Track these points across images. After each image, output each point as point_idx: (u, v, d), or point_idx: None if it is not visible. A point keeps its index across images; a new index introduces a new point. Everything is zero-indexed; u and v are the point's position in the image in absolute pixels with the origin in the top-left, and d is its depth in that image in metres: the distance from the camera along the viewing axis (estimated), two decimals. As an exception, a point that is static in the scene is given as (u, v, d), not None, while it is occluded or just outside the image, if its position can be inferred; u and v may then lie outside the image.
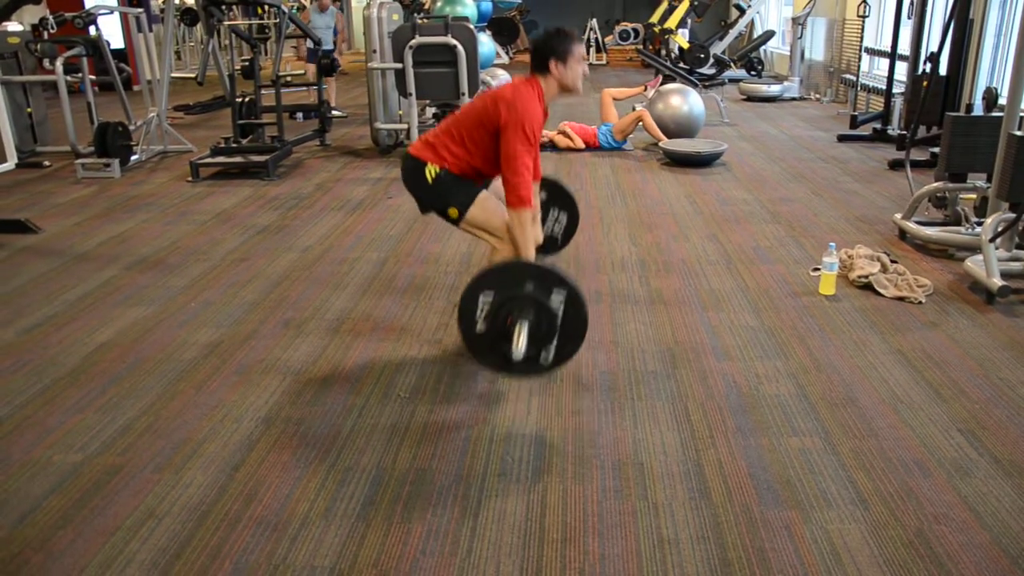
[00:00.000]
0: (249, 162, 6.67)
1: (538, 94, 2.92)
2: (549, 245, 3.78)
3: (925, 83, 5.61)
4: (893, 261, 4.03)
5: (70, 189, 6.31)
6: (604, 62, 16.88)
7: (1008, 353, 3.18)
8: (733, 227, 4.96)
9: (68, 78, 7.12)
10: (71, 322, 3.64)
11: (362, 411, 2.80)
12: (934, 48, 5.48)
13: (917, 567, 2.00)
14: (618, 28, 17.73)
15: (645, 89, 8.41)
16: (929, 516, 2.19)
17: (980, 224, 4.06)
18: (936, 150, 5.21)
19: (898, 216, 4.64)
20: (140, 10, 8.69)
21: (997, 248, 3.78)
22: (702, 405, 2.81)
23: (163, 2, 10.69)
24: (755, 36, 13.01)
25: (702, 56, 11.06)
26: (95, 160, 6.74)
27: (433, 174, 2.97)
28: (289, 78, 9.70)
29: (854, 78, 9.52)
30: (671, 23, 11.60)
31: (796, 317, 3.57)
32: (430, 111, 7.85)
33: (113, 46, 8.08)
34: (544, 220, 3.70)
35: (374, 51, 7.15)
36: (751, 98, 10.92)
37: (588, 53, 16.84)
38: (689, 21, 12.18)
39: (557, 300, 2.60)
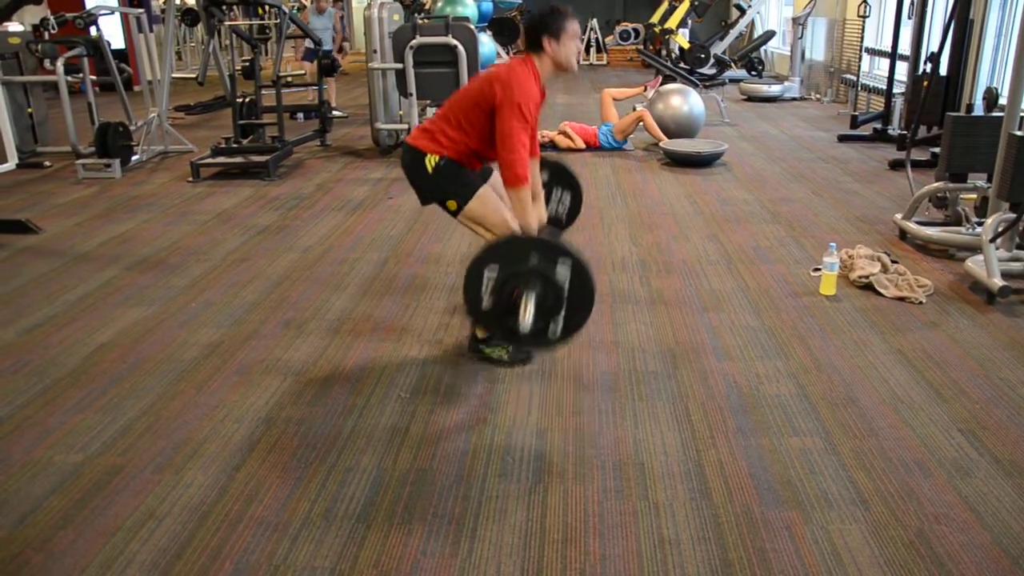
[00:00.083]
0: (250, 162, 6.68)
1: (533, 73, 2.90)
2: (554, 225, 3.75)
3: (925, 83, 5.61)
4: (894, 261, 4.03)
5: (71, 189, 6.32)
6: (604, 62, 16.88)
7: (1008, 353, 3.18)
8: (733, 227, 4.95)
9: (69, 78, 7.13)
10: (72, 322, 3.64)
11: (363, 411, 2.80)
12: (934, 48, 5.48)
13: (918, 567, 2.00)
14: (618, 28, 17.72)
15: (645, 89, 8.41)
16: (930, 516, 2.19)
17: (980, 224, 4.06)
18: (936, 150, 5.21)
19: (898, 216, 4.64)
20: (141, 10, 8.70)
21: (997, 248, 3.78)
22: (703, 405, 2.81)
23: (164, 2, 10.71)
24: (755, 36, 13.01)
25: (702, 56, 11.05)
26: (96, 160, 6.74)
27: (433, 163, 2.95)
28: (290, 78, 9.71)
29: (854, 78, 9.52)
30: (671, 23, 11.59)
31: (797, 317, 3.57)
32: (431, 111, 7.85)
33: (114, 46, 8.09)
34: (547, 201, 3.65)
35: (375, 51, 7.15)
36: (751, 98, 10.92)
37: (589, 53, 16.85)
38: (689, 21, 12.17)
39: (562, 272, 2.59)
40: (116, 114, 7.81)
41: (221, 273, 4.26)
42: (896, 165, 6.40)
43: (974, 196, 4.46)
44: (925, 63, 6.43)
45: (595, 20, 16.86)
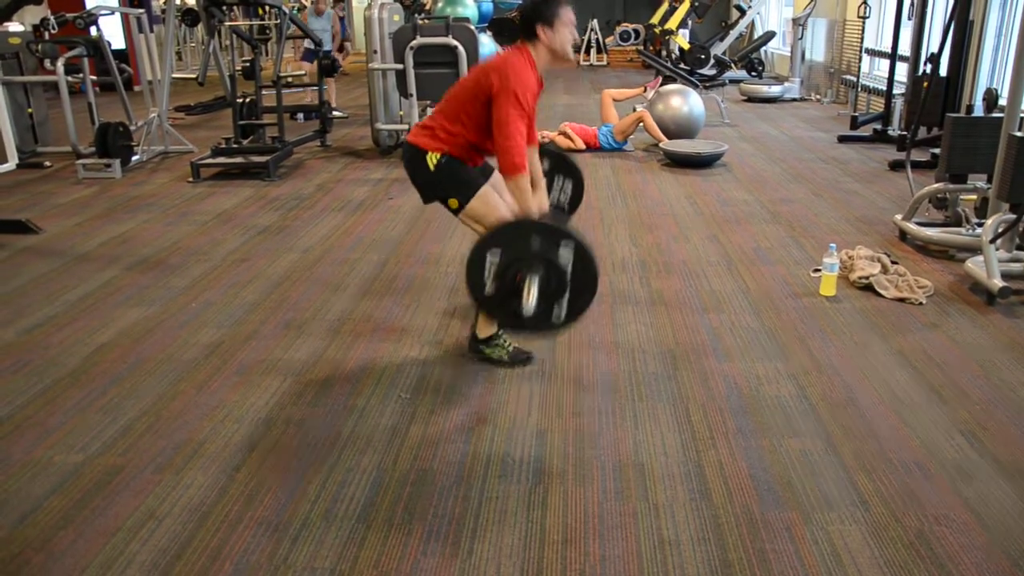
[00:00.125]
0: (250, 163, 6.68)
1: (530, 62, 2.89)
2: None
3: (925, 84, 5.61)
4: (893, 262, 4.03)
5: (71, 189, 6.32)
6: (605, 63, 16.88)
7: (1009, 354, 3.18)
8: (734, 228, 4.96)
9: (69, 78, 7.13)
10: (72, 322, 3.64)
11: (363, 412, 2.80)
12: (934, 49, 5.48)
13: (918, 568, 2.00)
14: (618, 29, 17.73)
15: (645, 90, 8.41)
16: (930, 518, 2.19)
17: (980, 225, 4.06)
18: (936, 151, 5.21)
19: (899, 217, 4.64)
20: (141, 11, 8.70)
21: (997, 249, 3.78)
22: (703, 406, 2.81)
23: (164, 2, 10.70)
24: (755, 37, 13.02)
25: (702, 57, 11.07)
26: (96, 160, 6.74)
27: (434, 161, 2.94)
28: (290, 79, 9.71)
29: (854, 79, 9.52)
30: (672, 24, 11.60)
31: (797, 318, 3.57)
32: (431, 111, 7.85)
33: (114, 47, 8.09)
34: (549, 190, 3.63)
35: (375, 52, 7.15)
36: (751, 99, 10.92)
37: (589, 54, 16.85)
38: (690, 22, 12.19)
39: (565, 254, 2.59)
40: (116, 114, 7.81)
41: (221, 273, 4.26)
42: (896, 166, 6.40)
43: (974, 197, 4.46)
44: (925, 64, 6.43)
45: (595, 21, 16.85)
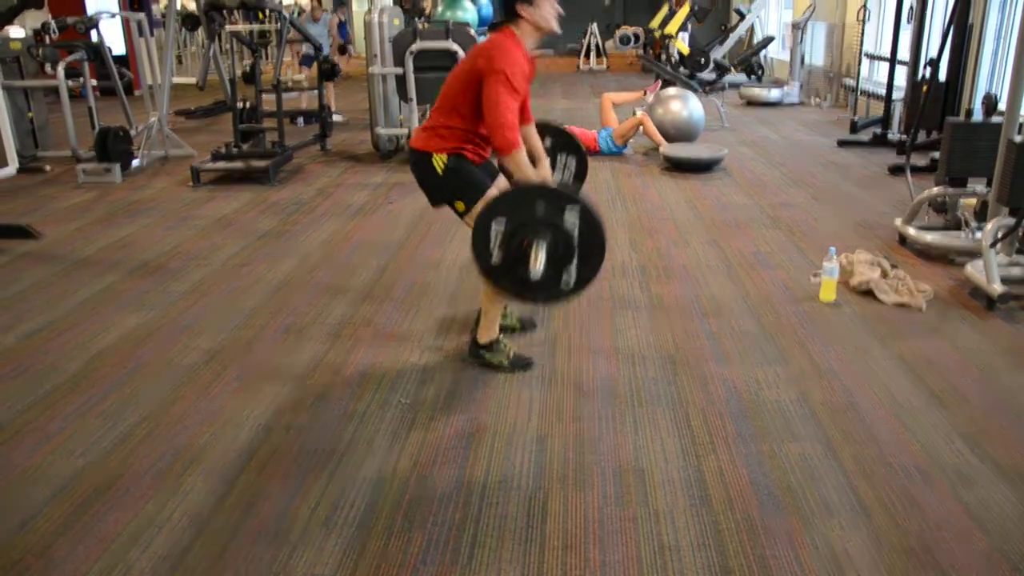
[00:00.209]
0: (250, 167, 6.68)
1: (517, 43, 2.87)
2: None
3: (925, 88, 5.61)
4: (893, 266, 4.02)
5: (71, 194, 6.32)
6: (604, 67, 16.90)
7: (1009, 359, 3.18)
8: (733, 232, 4.96)
9: (69, 83, 7.14)
10: (72, 327, 3.64)
11: (363, 418, 2.80)
12: (934, 52, 5.49)
13: (918, 574, 2.00)
14: (618, 32, 17.76)
15: (645, 94, 8.41)
16: (930, 523, 2.19)
17: (980, 229, 4.06)
18: (936, 155, 5.21)
19: (899, 221, 4.64)
20: (141, 14, 8.71)
21: (997, 253, 3.78)
22: (703, 411, 2.81)
23: (165, 7, 10.71)
24: (755, 41, 13.03)
25: (702, 61, 11.08)
26: (96, 165, 6.74)
27: (442, 164, 2.94)
28: (290, 83, 9.72)
29: (854, 83, 9.53)
30: (671, 28, 11.62)
31: (797, 323, 3.57)
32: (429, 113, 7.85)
33: (115, 52, 8.09)
34: (553, 168, 3.58)
35: (375, 56, 7.16)
36: (751, 103, 10.93)
37: (589, 58, 16.87)
38: (689, 25, 12.20)
39: (571, 218, 2.57)
40: (117, 118, 7.81)
41: (221, 278, 4.26)
42: (896, 170, 6.40)
43: (974, 201, 4.46)
44: (924, 68, 6.44)
45: (595, 24, 16.88)
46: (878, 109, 8.48)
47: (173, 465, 2.52)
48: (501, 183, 3.08)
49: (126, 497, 2.36)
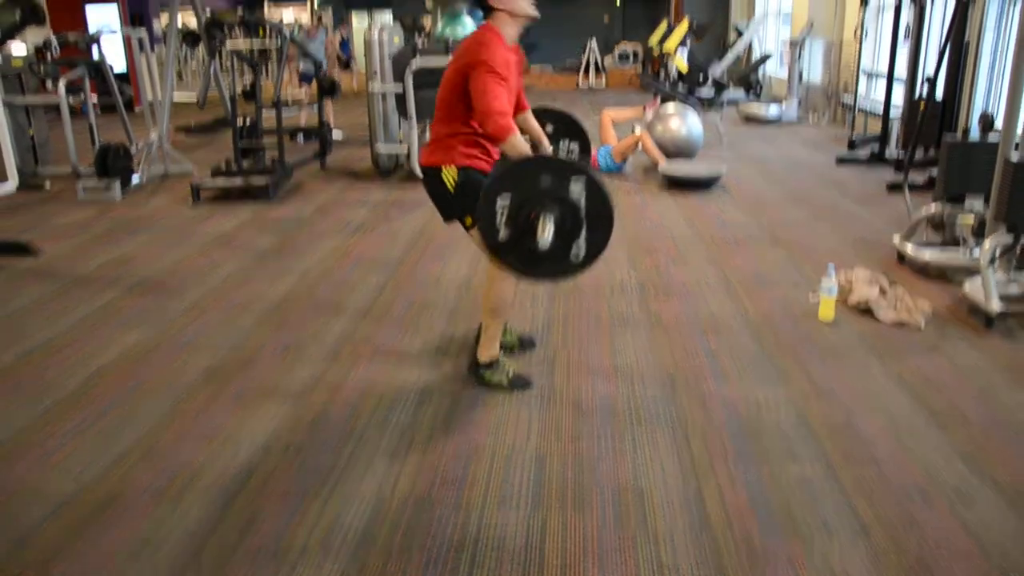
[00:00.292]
0: (250, 184, 6.70)
1: (496, 36, 2.87)
2: None
3: (922, 106, 5.64)
4: (892, 283, 4.03)
5: (71, 210, 6.33)
6: (604, 84, 16.99)
7: (1008, 377, 3.18)
8: (733, 250, 4.97)
9: (70, 99, 7.17)
10: (70, 345, 3.64)
11: (361, 437, 2.79)
12: (931, 70, 5.52)
13: (919, 596, 1.99)
14: (617, 49, 17.86)
15: (644, 111, 8.45)
16: (930, 543, 2.18)
17: (979, 246, 4.07)
18: (934, 172, 5.23)
19: (897, 238, 4.65)
20: (142, 31, 8.76)
21: (996, 271, 3.79)
22: (702, 431, 2.80)
23: (166, 24, 10.77)
24: (753, 58, 13.11)
25: (701, 78, 11.14)
26: (96, 181, 6.76)
27: (453, 178, 2.94)
28: (290, 101, 9.77)
29: (851, 100, 9.57)
30: (669, 45, 11.70)
31: (796, 342, 3.57)
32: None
33: (116, 71, 8.13)
34: (555, 153, 3.60)
35: (375, 73, 7.19)
36: (750, 119, 10.98)
37: (588, 75, 16.96)
38: (688, 42, 12.29)
39: (576, 189, 2.56)
40: (117, 135, 7.84)
41: (220, 295, 4.26)
42: (894, 187, 6.42)
43: (971, 219, 4.47)
44: (922, 85, 6.47)
45: (594, 41, 16.98)
46: (876, 126, 8.53)
47: (172, 483, 2.51)
48: None
49: (125, 514, 2.35)
